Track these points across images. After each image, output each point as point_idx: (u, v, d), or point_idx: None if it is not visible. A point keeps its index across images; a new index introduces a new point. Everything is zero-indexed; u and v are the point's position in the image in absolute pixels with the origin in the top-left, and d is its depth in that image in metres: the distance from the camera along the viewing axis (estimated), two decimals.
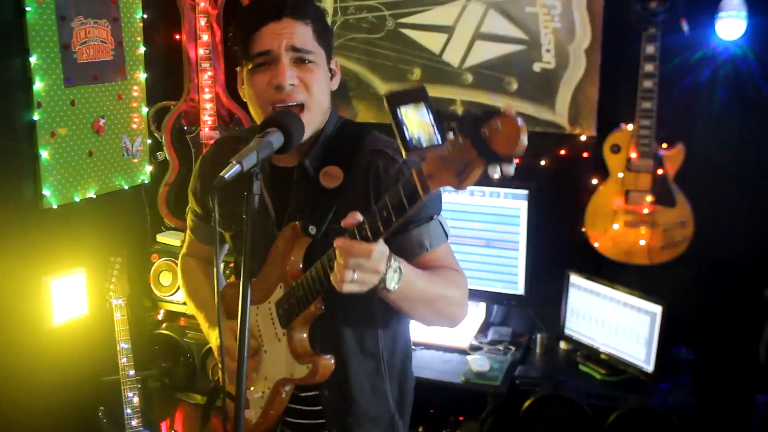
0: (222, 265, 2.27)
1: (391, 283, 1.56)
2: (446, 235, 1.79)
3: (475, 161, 1.28)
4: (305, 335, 1.79)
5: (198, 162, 2.02)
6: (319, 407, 1.87)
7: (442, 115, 1.32)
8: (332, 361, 1.78)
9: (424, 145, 1.32)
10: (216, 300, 1.61)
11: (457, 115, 1.30)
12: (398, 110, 1.33)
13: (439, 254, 1.77)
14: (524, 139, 1.23)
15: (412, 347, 2.01)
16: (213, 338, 1.96)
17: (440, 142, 1.31)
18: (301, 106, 1.71)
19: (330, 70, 1.80)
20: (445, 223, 1.80)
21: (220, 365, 1.96)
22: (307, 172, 1.77)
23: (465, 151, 1.29)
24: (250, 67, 1.73)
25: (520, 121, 1.23)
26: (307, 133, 1.72)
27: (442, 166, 1.33)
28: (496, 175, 1.28)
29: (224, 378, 1.71)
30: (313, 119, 1.74)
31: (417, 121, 1.32)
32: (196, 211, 2.05)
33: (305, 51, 1.70)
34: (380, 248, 1.49)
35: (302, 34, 1.70)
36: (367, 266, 1.50)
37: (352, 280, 1.50)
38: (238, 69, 1.82)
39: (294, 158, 1.81)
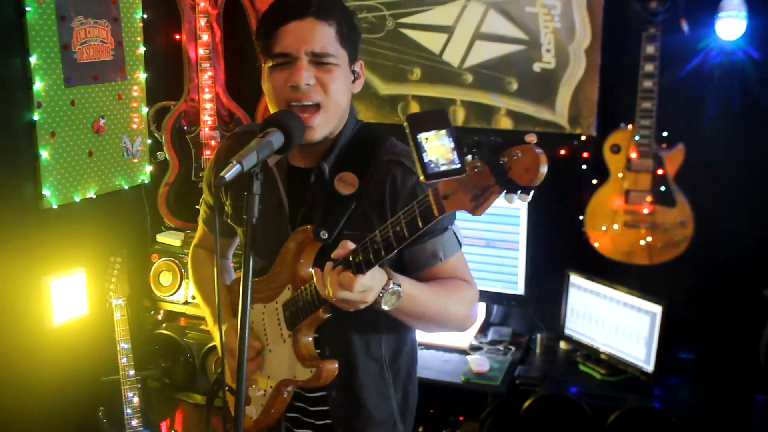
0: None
1: (386, 305, 1.60)
2: (459, 243, 1.80)
3: (493, 188, 1.29)
4: (310, 339, 1.79)
5: (213, 154, 2.03)
6: (326, 407, 1.87)
7: (463, 141, 1.32)
8: (336, 366, 1.78)
9: (443, 170, 1.31)
10: (217, 301, 1.61)
11: (478, 141, 1.30)
12: (418, 135, 1.32)
13: (452, 264, 1.79)
14: (543, 170, 1.23)
15: None
16: (217, 336, 1.96)
17: (460, 167, 1.30)
18: (317, 106, 1.70)
19: (353, 72, 1.78)
20: (459, 231, 1.80)
21: (222, 360, 1.97)
22: (323, 175, 1.77)
23: (483, 176, 1.29)
24: (270, 64, 1.73)
25: (540, 151, 1.23)
26: (323, 133, 1.72)
27: (459, 188, 1.33)
28: (513, 202, 1.28)
29: (224, 371, 1.71)
30: (330, 119, 1.73)
31: (437, 147, 1.31)
32: (209, 202, 2.06)
33: (324, 55, 1.69)
34: (365, 281, 1.52)
35: (324, 36, 1.68)
36: (351, 299, 1.55)
37: (338, 304, 1.58)
38: (258, 64, 1.82)
39: (312, 160, 1.81)
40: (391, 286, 1.58)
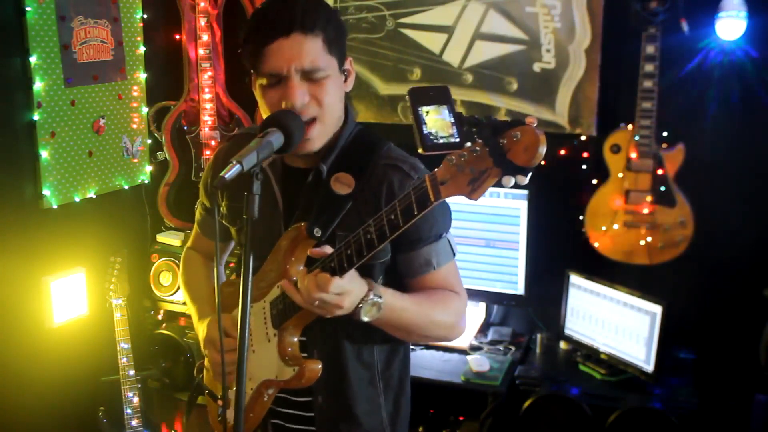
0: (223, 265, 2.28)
1: (366, 316, 1.61)
2: (453, 252, 1.80)
3: (491, 170, 1.28)
4: (296, 339, 1.77)
5: (212, 155, 2.02)
6: (311, 414, 1.85)
7: (463, 118, 1.33)
8: (319, 366, 1.75)
9: (442, 143, 1.32)
10: (216, 299, 1.61)
11: (478, 120, 1.30)
12: (419, 108, 1.33)
13: (444, 273, 1.78)
14: (542, 151, 1.23)
15: (412, 347, 2.00)
16: (200, 331, 1.95)
17: (458, 141, 1.31)
18: (313, 119, 1.70)
19: (344, 72, 1.76)
20: (453, 240, 1.80)
21: (205, 355, 1.95)
22: (321, 175, 1.77)
23: (481, 158, 1.29)
24: (262, 82, 1.72)
25: (540, 132, 1.23)
26: (321, 143, 1.73)
27: (456, 173, 1.33)
28: (510, 184, 1.28)
29: (224, 376, 1.69)
30: (327, 129, 1.74)
31: (437, 120, 1.33)
32: (205, 204, 2.06)
33: (315, 70, 1.67)
34: (341, 283, 1.53)
35: (312, 50, 1.66)
36: (328, 301, 1.55)
37: (314, 306, 1.59)
38: (251, 74, 1.80)
39: (309, 161, 1.80)
40: (371, 297, 1.58)
